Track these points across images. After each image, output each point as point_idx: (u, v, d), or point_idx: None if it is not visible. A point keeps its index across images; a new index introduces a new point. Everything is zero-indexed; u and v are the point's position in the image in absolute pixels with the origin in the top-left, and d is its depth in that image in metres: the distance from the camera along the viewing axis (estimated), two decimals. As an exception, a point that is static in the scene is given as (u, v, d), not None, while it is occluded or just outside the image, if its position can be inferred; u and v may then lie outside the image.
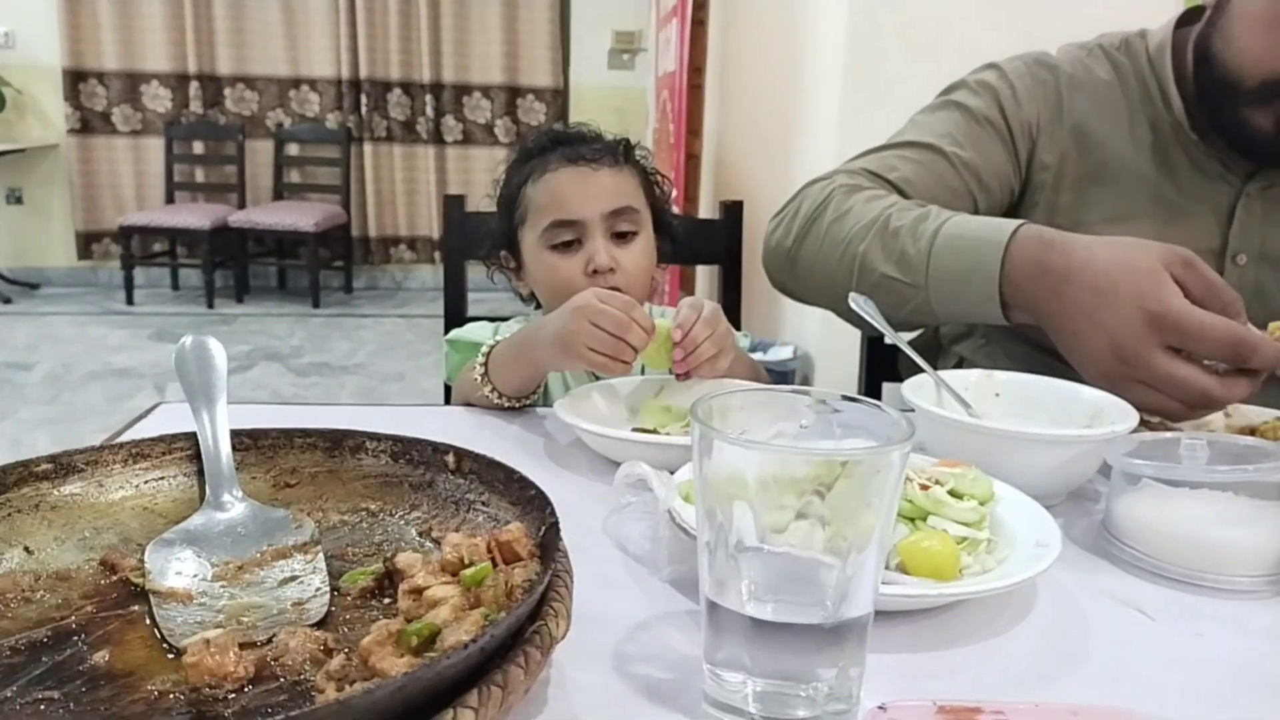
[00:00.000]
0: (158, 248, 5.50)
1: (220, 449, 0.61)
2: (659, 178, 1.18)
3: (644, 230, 1.10)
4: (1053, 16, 1.26)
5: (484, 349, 0.94)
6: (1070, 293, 0.79)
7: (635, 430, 0.86)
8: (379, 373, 4.10)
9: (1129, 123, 1.04)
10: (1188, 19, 1.04)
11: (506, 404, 0.93)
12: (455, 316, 1.39)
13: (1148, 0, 1.30)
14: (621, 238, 1.08)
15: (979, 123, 1.07)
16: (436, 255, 5.74)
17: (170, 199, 5.41)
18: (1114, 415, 0.73)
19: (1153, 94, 1.04)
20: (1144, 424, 0.74)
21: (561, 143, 1.11)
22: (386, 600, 0.52)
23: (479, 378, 0.92)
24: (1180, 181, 1.02)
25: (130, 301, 5.16)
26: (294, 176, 5.60)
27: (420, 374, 4.08)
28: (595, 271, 1.04)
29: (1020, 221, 0.86)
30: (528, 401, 0.95)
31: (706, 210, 3.60)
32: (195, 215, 5.06)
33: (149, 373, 3.95)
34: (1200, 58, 0.98)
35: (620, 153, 1.11)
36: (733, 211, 1.44)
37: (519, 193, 1.11)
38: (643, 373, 1.00)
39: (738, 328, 1.40)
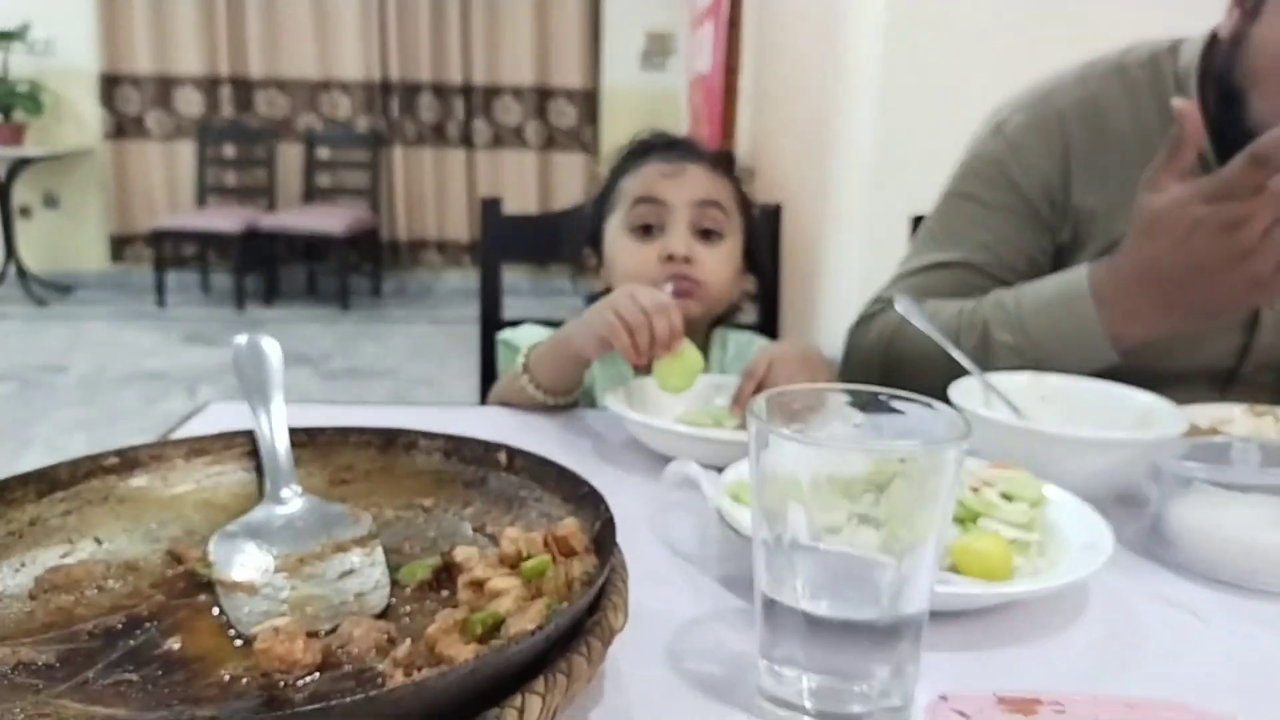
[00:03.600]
0: (189, 251, 5.56)
1: (278, 445, 0.62)
2: (754, 208, 1.17)
3: (731, 237, 1.09)
4: (1093, 14, 1.25)
5: (527, 346, 0.95)
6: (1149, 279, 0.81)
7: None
8: (409, 377, 4.12)
9: (1146, 157, 0.95)
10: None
11: (544, 398, 0.94)
12: (491, 319, 1.41)
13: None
14: (705, 236, 1.07)
15: (996, 211, 1.03)
16: (466, 259, 5.77)
17: (202, 202, 5.47)
18: (1163, 419, 0.73)
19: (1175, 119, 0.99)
20: (1193, 428, 0.74)
21: (663, 144, 1.13)
22: (444, 593, 0.53)
23: (520, 370, 0.94)
24: None
25: (161, 304, 5.23)
26: (324, 180, 5.63)
27: (450, 378, 4.09)
28: (671, 258, 1.03)
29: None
30: (566, 400, 0.95)
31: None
32: (226, 219, 5.12)
33: (181, 375, 4.00)
34: (1223, 97, 0.92)
35: (720, 161, 1.12)
36: (770, 215, 1.44)
37: (613, 186, 1.12)
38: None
39: (775, 333, 1.40)
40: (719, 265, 1.07)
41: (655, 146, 1.13)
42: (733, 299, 1.14)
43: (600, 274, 1.15)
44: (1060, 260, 1.03)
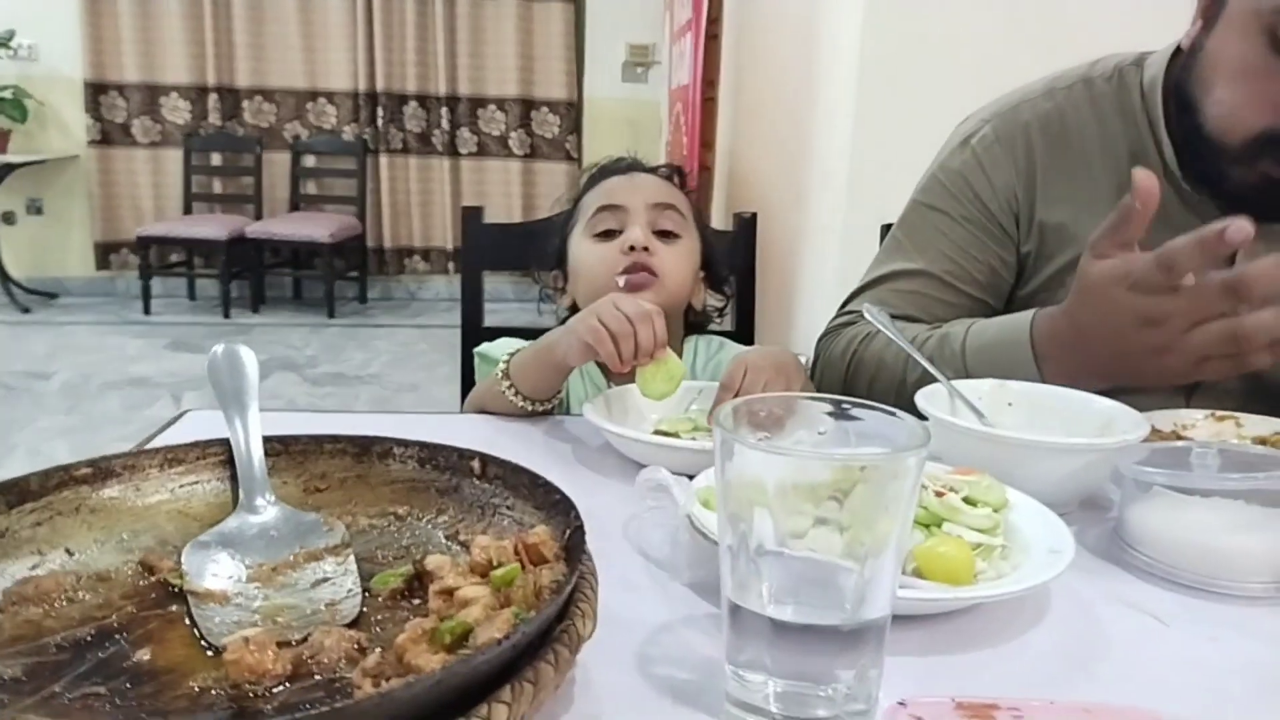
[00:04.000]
0: (175, 258, 5.55)
1: (253, 454, 0.62)
2: (709, 229, 1.22)
3: (687, 239, 1.13)
4: (1070, 28, 1.27)
5: (506, 354, 0.96)
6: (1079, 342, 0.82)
7: (656, 433, 0.87)
8: (393, 383, 4.13)
9: (1107, 171, 0.99)
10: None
11: (523, 404, 0.95)
12: (473, 327, 1.41)
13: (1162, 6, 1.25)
14: (664, 236, 1.11)
15: (960, 223, 1.05)
16: (450, 266, 5.79)
17: (188, 210, 5.47)
18: (1125, 424, 0.74)
19: (1143, 134, 0.98)
20: (1156, 433, 0.75)
21: (619, 166, 1.20)
22: (416, 601, 0.53)
23: (500, 375, 0.94)
24: (1175, 228, 0.92)
25: (147, 311, 5.21)
26: (310, 188, 5.64)
27: (434, 384, 4.10)
28: (631, 249, 1.07)
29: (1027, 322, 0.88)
30: (546, 406, 0.96)
31: (718, 223, 3.62)
32: (212, 226, 5.11)
33: (166, 382, 3.99)
34: (1181, 106, 0.93)
35: (672, 173, 1.20)
36: (747, 224, 1.46)
37: (575, 206, 1.18)
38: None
39: (751, 340, 1.41)
40: (677, 261, 1.11)
41: (612, 169, 1.19)
42: (692, 301, 1.17)
43: (567, 291, 1.18)
44: (1025, 270, 1.04)
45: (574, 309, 1.17)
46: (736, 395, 0.88)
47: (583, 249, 1.12)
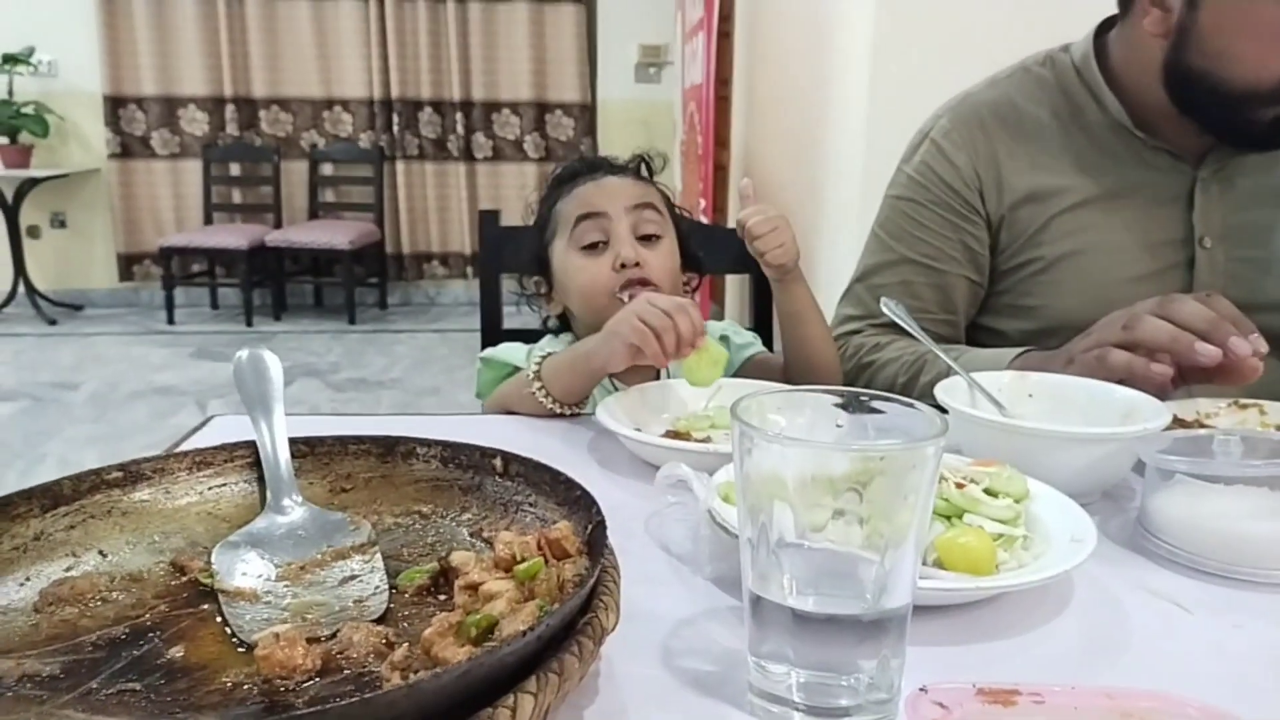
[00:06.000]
0: (197, 268, 5.60)
1: (279, 456, 0.63)
2: (680, 209, 1.24)
3: (668, 235, 1.14)
4: (1079, 14, 1.27)
5: (539, 355, 0.98)
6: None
7: (668, 434, 0.88)
8: (415, 387, 4.15)
9: (1062, 138, 1.09)
10: (1107, 25, 1.10)
11: (553, 406, 0.96)
12: (491, 330, 1.42)
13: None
14: (647, 240, 1.11)
15: (929, 208, 1.14)
16: (469, 270, 5.82)
17: (209, 220, 5.52)
18: (1147, 413, 0.74)
19: (1082, 102, 1.09)
20: (1177, 421, 0.75)
21: (586, 167, 1.20)
22: (442, 597, 0.54)
23: (531, 376, 0.96)
24: (1132, 179, 1.07)
25: (171, 321, 5.27)
26: (329, 196, 5.69)
27: (455, 388, 4.12)
28: (623, 266, 1.07)
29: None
30: (577, 410, 0.97)
31: (735, 220, 3.62)
32: (233, 235, 5.16)
33: (191, 390, 4.03)
34: (1181, 80, 0.99)
35: (640, 168, 1.21)
36: (764, 221, 1.45)
37: (549, 214, 1.17)
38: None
39: (767, 337, 1.41)
40: (664, 263, 1.12)
41: (579, 170, 1.20)
42: (679, 293, 1.17)
43: (554, 298, 1.19)
44: (1000, 239, 1.12)
45: (563, 317, 1.19)
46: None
47: (571, 263, 1.11)
